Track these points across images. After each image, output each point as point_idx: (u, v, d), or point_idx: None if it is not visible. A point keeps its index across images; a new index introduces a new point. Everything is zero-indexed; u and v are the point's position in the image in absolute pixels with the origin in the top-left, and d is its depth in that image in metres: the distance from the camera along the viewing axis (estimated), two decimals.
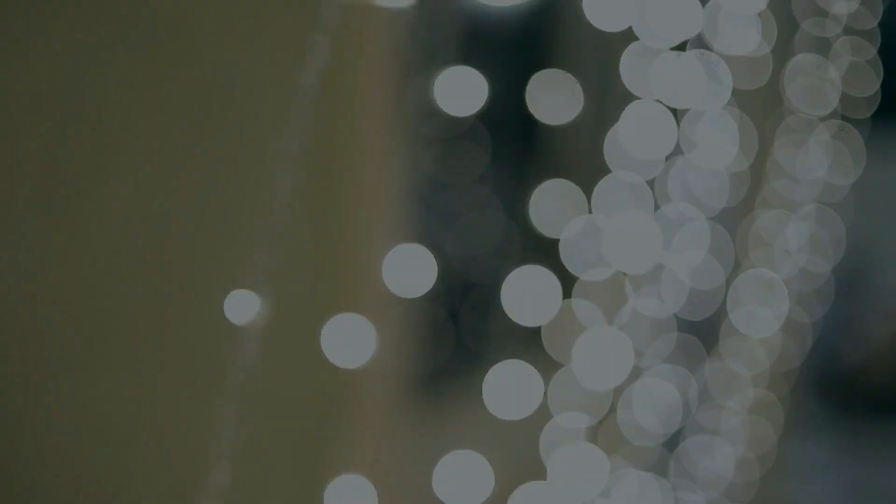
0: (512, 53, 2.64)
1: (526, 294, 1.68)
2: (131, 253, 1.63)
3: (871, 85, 3.47)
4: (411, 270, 1.38)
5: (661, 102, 1.83)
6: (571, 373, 2.02)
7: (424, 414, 1.94)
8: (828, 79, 3.33)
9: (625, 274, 2.34)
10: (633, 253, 1.99)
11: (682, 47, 2.05)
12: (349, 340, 1.35)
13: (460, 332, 2.42)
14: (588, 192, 2.12)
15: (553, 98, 1.82)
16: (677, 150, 2.68)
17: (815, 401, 5.62)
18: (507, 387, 1.64)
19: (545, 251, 2.16)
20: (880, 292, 6.35)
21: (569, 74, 1.83)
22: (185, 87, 1.61)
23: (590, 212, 2.08)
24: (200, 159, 1.62)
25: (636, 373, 2.74)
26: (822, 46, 3.30)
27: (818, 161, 3.44)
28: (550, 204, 1.89)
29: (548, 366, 2.17)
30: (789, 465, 4.12)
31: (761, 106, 3.35)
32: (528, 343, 2.18)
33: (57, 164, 1.61)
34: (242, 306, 0.72)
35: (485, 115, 2.70)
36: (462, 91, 1.36)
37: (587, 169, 2.50)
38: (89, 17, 1.59)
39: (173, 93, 1.60)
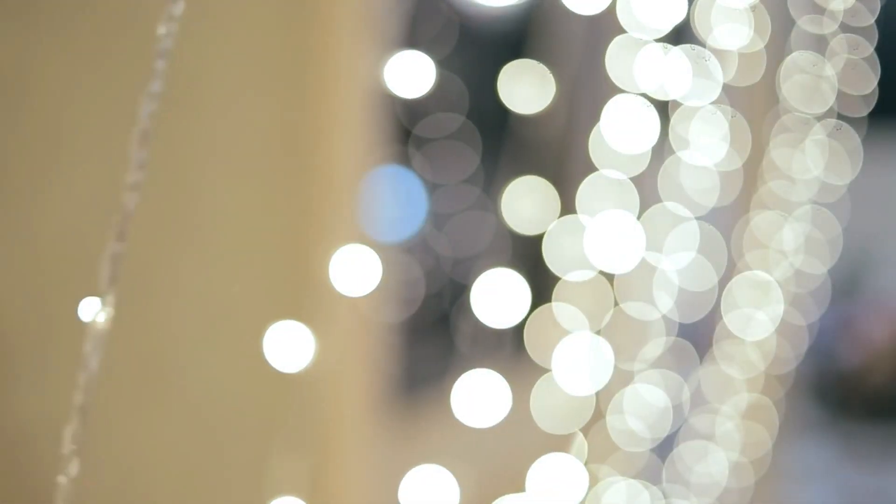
0: (501, 53, 2.59)
1: (496, 297, 1.64)
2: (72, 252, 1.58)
3: (867, 83, 3.43)
4: (357, 271, 1.34)
5: (646, 97, 1.78)
6: (555, 378, 1.97)
7: (392, 427, 1.89)
8: (824, 77, 3.29)
9: (609, 275, 2.30)
10: (617, 253, 1.94)
11: (675, 43, 2.02)
12: (292, 347, 1.31)
13: (448, 336, 2.37)
14: (573, 190, 2.08)
15: (525, 88, 1.78)
16: (668, 148, 2.65)
17: (812, 404, 5.62)
18: (476, 396, 1.59)
19: (529, 252, 2.11)
20: (878, 293, 6.33)
21: (541, 64, 1.79)
22: (132, 88, 1.55)
23: (575, 211, 2.04)
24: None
25: (627, 377, 2.71)
26: (819, 44, 3.26)
27: (814, 161, 3.41)
28: (526, 202, 1.85)
29: (531, 372, 2.12)
30: (785, 469, 4.09)
31: (756, 104, 3.33)
32: (510, 348, 2.13)
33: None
34: (91, 307, 0.67)
35: (474, 115, 2.68)
36: (411, 74, 1.32)
37: (574, 168, 2.45)
38: (28, 14, 1.54)
39: (121, 92, 1.54)
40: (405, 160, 2.65)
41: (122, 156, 1.60)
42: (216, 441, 1.62)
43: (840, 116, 3.39)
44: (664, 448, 3.10)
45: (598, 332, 2.27)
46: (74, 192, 1.58)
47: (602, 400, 2.61)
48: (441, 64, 2.77)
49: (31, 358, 1.61)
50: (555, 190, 1.83)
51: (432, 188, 2.77)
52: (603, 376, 2.04)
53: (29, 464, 1.61)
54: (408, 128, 2.64)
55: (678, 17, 1.58)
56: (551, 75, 1.77)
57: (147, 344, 1.58)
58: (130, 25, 1.55)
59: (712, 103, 2.58)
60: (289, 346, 1.31)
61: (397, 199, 2.62)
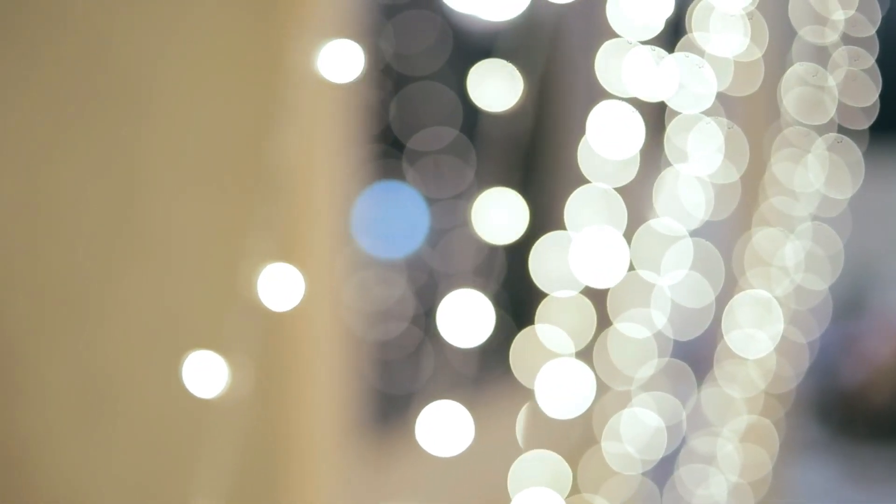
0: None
1: (461, 318, 1.59)
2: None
3: (869, 95, 3.38)
4: (279, 287, 1.29)
5: (637, 104, 1.72)
6: (542, 403, 1.91)
7: (364, 456, 1.81)
8: (825, 88, 3.25)
9: (601, 293, 2.24)
10: (605, 268, 1.89)
11: (669, 50, 1.96)
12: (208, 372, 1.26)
13: (434, 358, 2.31)
14: (562, 203, 2.02)
15: (494, 86, 1.74)
16: (665, 161, 2.59)
17: (814, 423, 5.59)
18: (441, 425, 1.54)
19: (517, 269, 2.06)
20: (882, 311, 6.30)
21: (509, 64, 1.75)
22: (73, 84, 1.48)
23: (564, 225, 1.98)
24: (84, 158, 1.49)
25: (622, 400, 2.67)
26: (821, 55, 3.22)
27: (815, 175, 3.37)
28: (497, 214, 1.79)
29: (517, 395, 2.05)
30: (786, 490, 4.04)
31: (757, 116, 3.30)
32: (498, 370, 2.07)
33: None
34: None
35: (467, 129, 2.63)
36: (341, 61, 1.31)
37: (564, 179, 2.39)
38: None
39: (58, 88, 1.47)
40: (398, 174, 2.60)
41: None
42: (161, 463, 1.55)
43: (841, 129, 3.34)
44: (664, 472, 3.05)
45: (590, 352, 2.22)
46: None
47: (596, 424, 2.56)
48: (435, 77, 2.72)
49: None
50: (524, 200, 1.78)
51: (426, 203, 2.72)
52: (592, 399, 1.98)
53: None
54: (402, 141, 2.60)
55: (667, 14, 1.51)
56: (521, 76, 1.71)
57: (93, 362, 1.52)
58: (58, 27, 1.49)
59: (710, 115, 2.53)
60: (205, 374, 1.27)
61: (387, 214, 2.57)
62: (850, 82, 3.29)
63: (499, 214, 1.72)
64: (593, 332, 2.25)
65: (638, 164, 1.93)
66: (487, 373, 2.11)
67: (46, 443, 1.55)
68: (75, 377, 1.55)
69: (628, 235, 2.28)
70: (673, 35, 2.19)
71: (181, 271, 1.53)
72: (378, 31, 2.52)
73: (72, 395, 1.55)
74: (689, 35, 2.19)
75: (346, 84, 1.43)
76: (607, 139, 1.76)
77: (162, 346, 1.53)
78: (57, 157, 1.51)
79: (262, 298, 1.28)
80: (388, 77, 2.56)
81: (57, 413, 1.56)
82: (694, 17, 2.22)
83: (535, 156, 2.76)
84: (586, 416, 2.37)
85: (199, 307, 1.52)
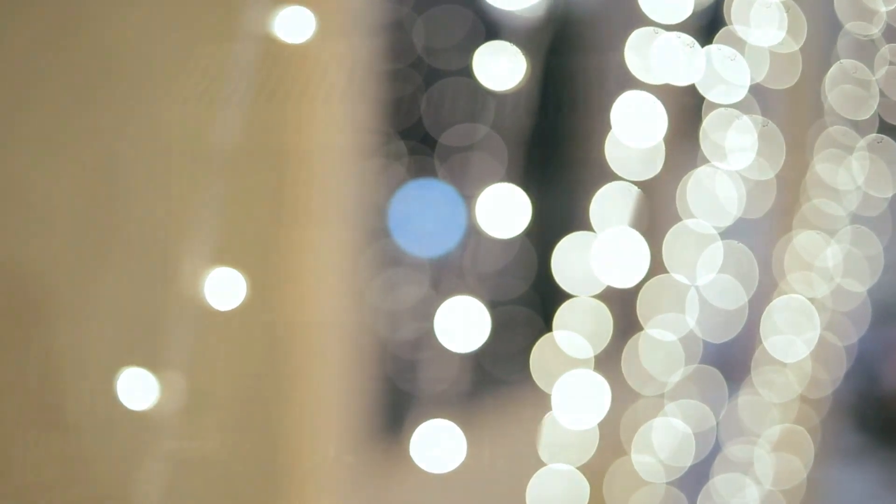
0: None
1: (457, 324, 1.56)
2: None
3: None
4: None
5: (662, 95, 1.67)
6: (558, 413, 1.86)
7: (372, 468, 1.75)
8: (868, 83, 3.20)
9: (632, 297, 2.20)
10: (628, 269, 1.85)
11: (705, 40, 1.92)
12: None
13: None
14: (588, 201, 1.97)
15: (498, 66, 1.70)
16: (701, 157, 2.55)
17: (852, 430, 5.54)
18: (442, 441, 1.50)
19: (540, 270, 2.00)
20: None
21: (514, 45, 1.71)
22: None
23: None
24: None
25: (655, 407, 2.61)
26: (867, 50, 3.17)
27: (857, 174, 3.33)
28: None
29: (539, 403, 2.00)
30: (822, 500, 3.98)
31: (795, 111, 3.25)
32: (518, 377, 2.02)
33: None
34: None
35: (499, 126, 2.58)
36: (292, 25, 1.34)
37: (591, 175, 2.34)
38: None
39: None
40: (428, 172, 2.57)
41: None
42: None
43: (882, 126, 3.29)
44: (698, 480, 3.00)
45: (619, 358, 2.17)
46: None
47: (625, 432, 2.53)
48: (462, 72, 2.67)
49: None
50: (543, 197, 1.74)
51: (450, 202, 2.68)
52: (620, 408, 1.94)
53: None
54: (433, 137, 2.57)
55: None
56: (517, 51, 1.68)
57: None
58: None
59: (745, 111, 2.48)
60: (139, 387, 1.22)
61: (403, 213, 2.54)
62: (892, 79, 3.24)
63: (504, 210, 1.69)
64: (621, 337, 2.20)
65: (664, 158, 1.89)
66: (506, 379, 2.06)
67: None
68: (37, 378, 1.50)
69: (660, 235, 2.23)
70: (710, 27, 2.15)
71: (163, 272, 1.48)
72: (407, 24, 2.48)
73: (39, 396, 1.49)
74: (727, 27, 2.16)
75: (351, 83, 1.40)
76: (634, 130, 1.72)
77: (137, 353, 1.47)
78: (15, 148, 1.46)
79: (254, 304, 1.24)
80: (401, 72, 2.52)
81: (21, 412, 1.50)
82: (732, 8, 2.18)
83: (559, 151, 2.72)
84: (615, 425, 2.33)
85: (185, 313, 1.46)
